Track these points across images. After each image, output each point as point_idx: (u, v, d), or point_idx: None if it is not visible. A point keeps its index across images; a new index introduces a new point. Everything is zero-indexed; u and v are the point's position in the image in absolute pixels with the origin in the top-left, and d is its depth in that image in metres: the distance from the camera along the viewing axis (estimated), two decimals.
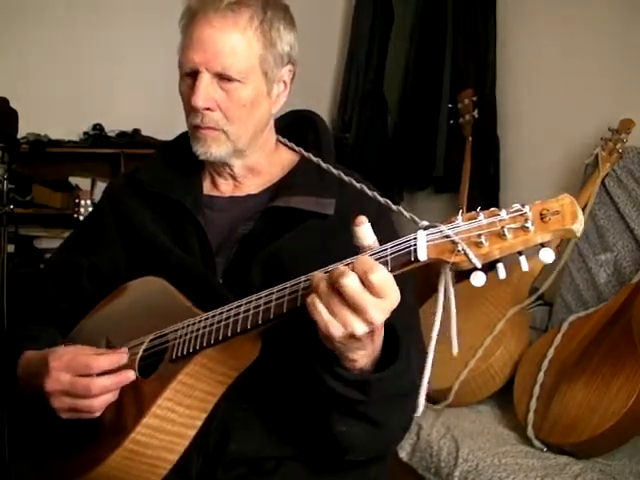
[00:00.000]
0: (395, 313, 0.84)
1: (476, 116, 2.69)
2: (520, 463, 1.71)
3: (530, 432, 1.81)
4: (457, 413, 2.01)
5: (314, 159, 1.13)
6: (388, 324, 0.86)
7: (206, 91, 1.04)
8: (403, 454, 1.95)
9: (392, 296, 0.78)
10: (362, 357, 0.85)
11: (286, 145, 1.20)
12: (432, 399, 2.01)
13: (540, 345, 2.01)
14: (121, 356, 0.97)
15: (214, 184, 1.18)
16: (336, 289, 0.77)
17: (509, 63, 2.79)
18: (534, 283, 2.23)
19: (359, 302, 0.77)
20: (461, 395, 2.02)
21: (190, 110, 1.07)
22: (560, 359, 1.90)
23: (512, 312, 2.11)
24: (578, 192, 2.18)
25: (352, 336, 0.79)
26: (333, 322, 0.78)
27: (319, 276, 0.80)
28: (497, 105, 2.79)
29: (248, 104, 1.07)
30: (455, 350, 0.82)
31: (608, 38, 2.35)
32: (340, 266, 0.79)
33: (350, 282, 0.76)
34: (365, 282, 0.77)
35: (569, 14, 2.51)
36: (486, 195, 2.69)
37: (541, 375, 1.90)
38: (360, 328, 0.78)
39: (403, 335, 0.91)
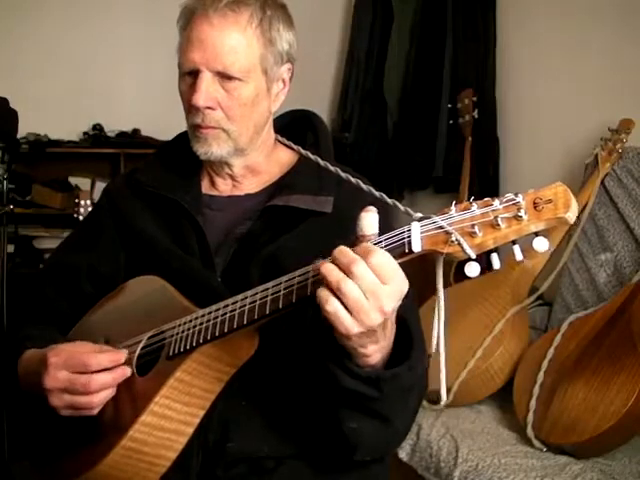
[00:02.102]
0: (403, 310, 0.84)
1: (476, 116, 2.69)
2: (520, 463, 1.71)
3: (530, 432, 1.81)
4: (457, 413, 2.01)
5: (312, 157, 1.13)
6: (400, 319, 0.86)
7: (207, 90, 1.04)
8: (403, 454, 1.95)
9: (400, 280, 0.78)
10: (375, 352, 0.85)
11: (284, 144, 1.20)
12: (432, 399, 2.01)
13: (540, 345, 2.01)
14: (120, 355, 0.97)
15: (212, 184, 1.18)
16: (349, 279, 0.76)
17: (509, 63, 2.79)
18: (534, 283, 2.23)
19: (372, 289, 0.76)
20: (461, 395, 2.02)
21: (191, 109, 1.07)
22: (560, 359, 1.90)
23: (512, 312, 2.11)
24: (578, 192, 2.18)
25: (371, 330, 0.79)
26: (350, 319, 0.77)
27: (328, 268, 0.78)
28: (497, 105, 2.79)
29: (249, 103, 1.07)
30: (442, 346, 0.82)
31: (608, 38, 2.35)
32: (348, 253, 0.78)
33: (362, 269, 0.76)
34: (370, 266, 0.76)
35: (569, 14, 2.51)
36: (486, 195, 2.66)
37: (541, 375, 1.89)
38: (376, 318, 0.78)
39: (414, 330, 0.91)
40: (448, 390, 2.00)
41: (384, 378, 0.87)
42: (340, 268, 0.77)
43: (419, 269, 0.97)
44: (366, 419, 0.93)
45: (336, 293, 0.77)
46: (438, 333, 0.82)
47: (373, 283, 0.76)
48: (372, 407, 0.91)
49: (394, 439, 1.06)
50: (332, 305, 0.77)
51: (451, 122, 2.85)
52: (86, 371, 0.94)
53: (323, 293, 0.78)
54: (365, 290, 0.76)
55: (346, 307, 0.77)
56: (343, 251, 0.78)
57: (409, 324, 0.90)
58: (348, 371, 0.87)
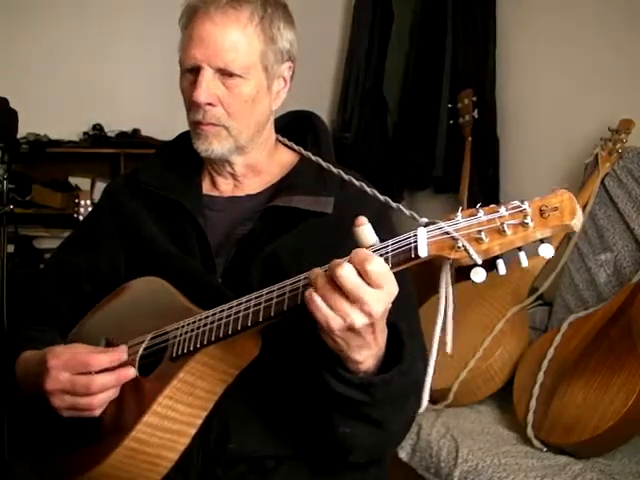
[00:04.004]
0: (397, 313, 0.84)
1: (476, 116, 2.69)
2: (520, 463, 1.71)
3: (530, 432, 1.81)
4: (457, 413, 2.01)
5: (313, 158, 1.13)
6: (391, 324, 0.86)
7: (208, 86, 1.05)
8: (403, 454, 1.95)
9: (389, 287, 0.78)
10: (367, 358, 0.85)
11: (285, 145, 1.20)
12: (432, 399, 2.01)
13: (540, 345, 2.01)
14: (121, 354, 0.97)
15: (214, 184, 1.18)
16: (333, 281, 0.78)
17: (509, 63, 2.79)
18: (534, 283, 2.24)
19: (356, 292, 0.77)
20: (461, 395, 2.02)
21: (191, 106, 1.08)
22: (560, 359, 1.90)
23: (512, 312, 2.12)
24: (578, 192, 2.19)
25: (351, 329, 0.79)
26: (331, 315, 0.79)
27: (317, 271, 0.81)
28: (497, 105, 2.79)
29: (250, 100, 1.07)
30: (449, 349, 0.82)
31: (608, 38, 2.35)
32: (337, 259, 0.79)
33: (345, 272, 0.77)
34: (361, 272, 0.77)
35: (569, 14, 2.51)
36: (486, 195, 2.69)
37: (541, 375, 1.90)
38: (359, 320, 0.78)
39: (406, 335, 0.91)
40: (448, 390, 2.01)
41: (375, 383, 0.87)
42: (329, 272, 0.79)
43: (420, 269, 0.97)
44: (359, 424, 0.93)
45: (319, 292, 0.79)
46: (440, 338, 0.82)
47: (358, 286, 0.77)
48: (364, 412, 0.91)
49: (389, 443, 1.06)
50: (313, 299, 0.79)
51: (451, 122, 2.85)
52: (87, 371, 0.94)
53: (308, 292, 0.80)
54: (349, 292, 0.77)
55: (330, 306, 0.79)
56: (335, 260, 0.80)
57: (400, 329, 0.90)
58: (338, 376, 0.87)
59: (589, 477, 1.63)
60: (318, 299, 0.79)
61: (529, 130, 2.70)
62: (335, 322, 0.79)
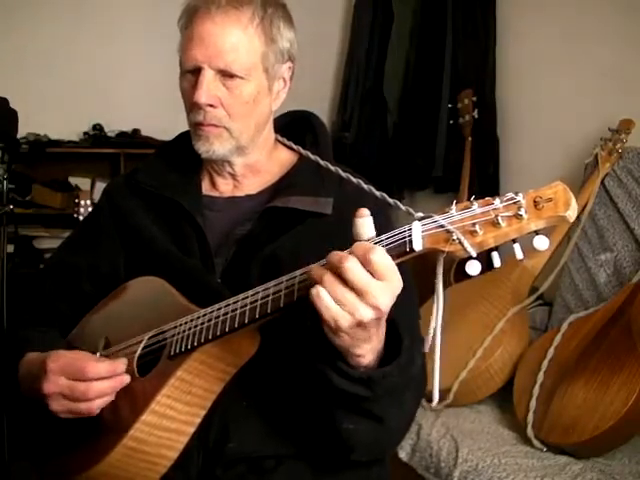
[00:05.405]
0: (397, 308, 0.84)
1: (476, 116, 2.69)
2: (520, 463, 1.71)
3: (530, 432, 1.81)
4: (457, 413, 2.01)
5: (312, 157, 1.13)
6: (390, 319, 0.86)
7: (209, 87, 1.04)
8: (403, 454, 1.95)
9: (394, 278, 0.78)
10: (368, 352, 0.85)
11: (284, 144, 1.20)
12: (432, 399, 2.01)
13: (540, 345, 2.01)
14: (118, 365, 0.97)
15: (213, 184, 1.18)
16: (339, 275, 0.77)
17: (509, 63, 2.79)
18: (534, 283, 2.23)
19: (363, 284, 0.76)
20: (461, 395, 2.02)
21: (192, 107, 1.07)
22: (560, 359, 1.90)
23: (512, 312, 2.11)
24: (578, 192, 2.19)
25: (360, 324, 0.79)
26: (340, 312, 0.78)
27: (319, 267, 0.80)
28: (497, 105, 2.79)
29: (250, 101, 1.07)
30: (437, 346, 0.82)
31: (608, 38, 2.35)
32: (339, 252, 0.78)
33: (352, 264, 0.76)
34: (364, 263, 0.76)
35: (569, 14, 2.51)
36: (486, 195, 2.68)
37: (541, 375, 1.90)
38: (367, 314, 0.78)
39: (404, 330, 0.91)
40: (448, 390, 2.00)
41: (375, 378, 0.87)
42: (331, 266, 0.78)
43: (421, 269, 0.97)
44: (361, 420, 0.93)
45: (326, 288, 0.77)
46: (435, 332, 0.82)
47: (364, 278, 0.76)
48: (366, 407, 0.91)
49: (390, 440, 1.06)
50: (320, 297, 0.77)
51: (451, 122, 2.85)
52: (84, 378, 0.94)
53: (314, 290, 0.78)
54: (355, 284, 0.76)
55: (337, 301, 0.77)
56: (334, 252, 0.79)
57: (397, 324, 0.90)
58: (340, 372, 0.87)
59: (589, 477, 1.63)
60: (326, 296, 0.77)
61: (529, 130, 2.70)
62: (344, 319, 0.78)
